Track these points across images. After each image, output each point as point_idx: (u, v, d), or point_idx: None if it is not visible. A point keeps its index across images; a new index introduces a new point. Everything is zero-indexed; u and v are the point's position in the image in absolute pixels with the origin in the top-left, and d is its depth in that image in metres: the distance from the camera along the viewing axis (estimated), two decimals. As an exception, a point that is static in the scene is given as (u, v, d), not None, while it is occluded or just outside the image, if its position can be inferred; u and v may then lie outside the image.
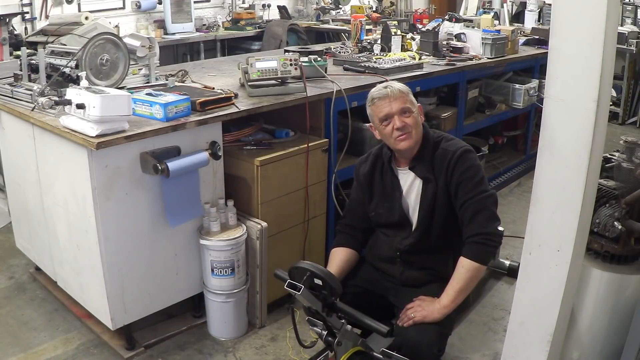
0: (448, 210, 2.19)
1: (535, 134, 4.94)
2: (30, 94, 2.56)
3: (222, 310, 2.74)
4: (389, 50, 3.96)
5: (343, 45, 4.22)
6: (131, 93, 2.47)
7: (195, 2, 6.01)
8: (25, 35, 4.44)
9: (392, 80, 2.54)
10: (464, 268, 2.09)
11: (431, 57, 3.97)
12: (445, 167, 2.16)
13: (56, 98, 2.45)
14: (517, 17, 6.76)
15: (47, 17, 5.04)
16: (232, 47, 6.30)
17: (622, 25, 6.38)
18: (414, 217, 2.24)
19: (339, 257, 2.32)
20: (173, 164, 2.41)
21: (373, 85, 3.20)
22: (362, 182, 2.35)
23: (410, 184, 2.25)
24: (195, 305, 2.87)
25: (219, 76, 3.44)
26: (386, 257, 2.29)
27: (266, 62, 2.91)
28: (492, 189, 2.23)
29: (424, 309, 2.07)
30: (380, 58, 3.67)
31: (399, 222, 2.25)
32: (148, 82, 2.93)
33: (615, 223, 2.08)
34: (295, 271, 1.99)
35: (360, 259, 2.39)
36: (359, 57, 3.76)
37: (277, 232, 2.85)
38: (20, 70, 2.77)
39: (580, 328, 2.17)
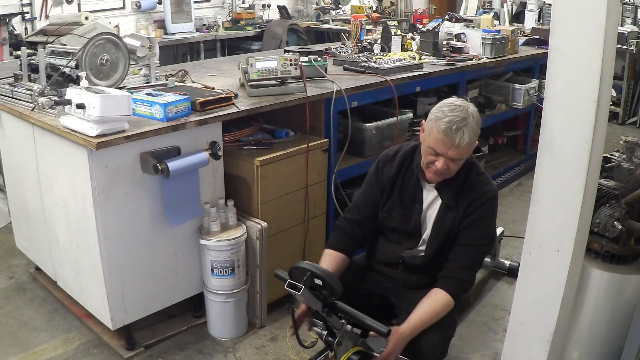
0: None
1: (535, 134, 4.94)
2: (30, 94, 2.56)
3: (222, 310, 2.74)
4: (389, 50, 3.96)
5: (343, 45, 4.22)
6: (131, 93, 2.47)
7: (195, 2, 6.01)
8: (25, 35, 4.44)
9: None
10: (440, 302, 2.02)
11: (431, 57, 3.97)
12: (469, 201, 2.10)
13: (56, 98, 2.45)
14: (517, 17, 6.77)
15: (47, 17, 5.04)
16: (232, 47, 6.30)
17: (622, 25, 6.38)
18: (426, 235, 2.19)
19: (328, 265, 2.16)
20: (173, 164, 2.41)
21: (373, 85, 3.24)
22: (383, 181, 2.23)
23: (432, 202, 2.18)
24: (195, 305, 2.87)
25: (219, 76, 3.43)
26: (387, 262, 2.27)
27: (266, 62, 2.91)
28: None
29: (394, 346, 1.96)
30: (380, 58, 3.67)
31: (411, 233, 2.20)
32: (148, 82, 2.93)
33: (615, 223, 2.08)
34: (296, 271, 1.99)
35: (365, 264, 2.36)
36: (359, 57, 3.76)
37: (277, 232, 2.85)
38: (20, 70, 2.77)
39: (580, 328, 2.17)
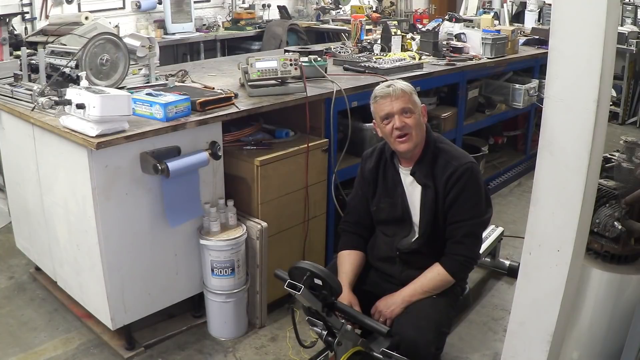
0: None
1: (535, 134, 4.94)
2: (30, 94, 2.56)
3: (222, 310, 2.74)
4: (389, 50, 3.96)
5: (343, 45, 4.22)
6: (131, 93, 2.47)
7: (195, 2, 6.01)
8: (25, 35, 4.44)
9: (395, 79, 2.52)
10: (439, 276, 2.16)
11: (431, 57, 3.97)
12: (446, 178, 2.16)
13: (56, 98, 2.45)
14: (517, 17, 6.76)
15: (47, 17, 5.04)
16: (232, 47, 6.30)
17: (622, 25, 6.38)
18: (415, 219, 2.24)
19: (350, 262, 2.30)
20: (173, 164, 2.41)
21: (373, 85, 3.22)
22: (367, 177, 2.34)
23: (411, 184, 2.25)
24: (195, 305, 2.87)
25: (219, 76, 3.44)
26: (385, 257, 2.29)
27: (266, 62, 2.91)
28: (489, 207, 2.27)
29: (387, 309, 2.14)
30: (380, 58, 3.67)
31: (402, 218, 2.25)
32: (148, 82, 2.93)
33: (615, 223, 2.08)
34: (295, 271, 1.99)
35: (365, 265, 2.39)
36: (359, 57, 3.76)
37: (277, 232, 2.85)
38: (20, 70, 2.77)
39: (580, 328, 2.17)
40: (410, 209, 2.25)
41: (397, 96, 2.15)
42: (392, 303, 2.14)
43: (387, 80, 2.39)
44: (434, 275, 2.16)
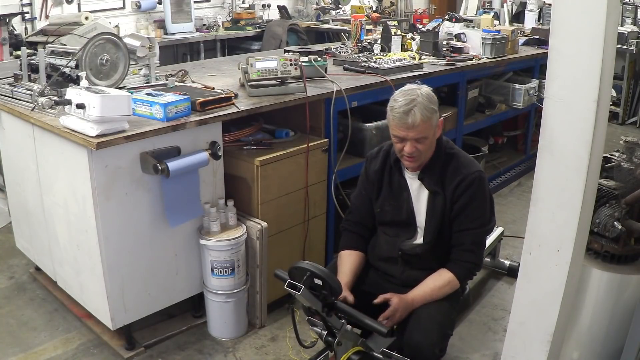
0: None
1: (535, 134, 4.95)
2: (30, 94, 2.56)
3: (222, 310, 2.74)
4: (389, 50, 3.96)
5: (343, 45, 4.22)
6: (131, 93, 2.47)
7: (195, 2, 6.01)
8: (25, 35, 4.44)
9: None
10: (450, 284, 2.16)
11: (431, 57, 3.97)
12: (455, 185, 2.15)
13: (56, 98, 2.45)
14: (517, 17, 6.76)
15: (47, 17, 5.04)
16: (232, 47, 6.30)
17: (622, 25, 6.38)
18: (421, 223, 2.23)
19: (350, 262, 2.28)
20: (173, 164, 2.41)
21: (373, 85, 3.24)
22: (371, 178, 2.32)
23: (418, 189, 2.23)
24: (195, 305, 2.87)
25: (219, 76, 3.44)
26: (387, 257, 2.29)
27: (266, 62, 2.91)
28: (492, 215, 2.27)
29: (397, 314, 2.10)
30: (380, 58, 3.67)
31: (406, 222, 2.24)
32: (148, 82, 2.93)
33: (615, 223, 2.08)
34: (295, 271, 1.99)
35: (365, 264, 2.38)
36: (359, 57, 3.76)
37: (277, 232, 2.85)
38: (20, 70, 2.77)
39: (580, 328, 2.17)
40: (416, 214, 2.24)
41: (414, 127, 2.05)
42: (404, 309, 2.11)
43: (400, 88, 2.18)
44: (445, 283, 2.15)
